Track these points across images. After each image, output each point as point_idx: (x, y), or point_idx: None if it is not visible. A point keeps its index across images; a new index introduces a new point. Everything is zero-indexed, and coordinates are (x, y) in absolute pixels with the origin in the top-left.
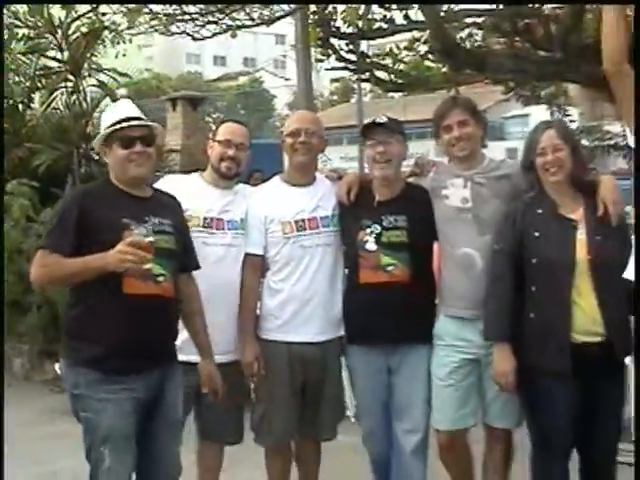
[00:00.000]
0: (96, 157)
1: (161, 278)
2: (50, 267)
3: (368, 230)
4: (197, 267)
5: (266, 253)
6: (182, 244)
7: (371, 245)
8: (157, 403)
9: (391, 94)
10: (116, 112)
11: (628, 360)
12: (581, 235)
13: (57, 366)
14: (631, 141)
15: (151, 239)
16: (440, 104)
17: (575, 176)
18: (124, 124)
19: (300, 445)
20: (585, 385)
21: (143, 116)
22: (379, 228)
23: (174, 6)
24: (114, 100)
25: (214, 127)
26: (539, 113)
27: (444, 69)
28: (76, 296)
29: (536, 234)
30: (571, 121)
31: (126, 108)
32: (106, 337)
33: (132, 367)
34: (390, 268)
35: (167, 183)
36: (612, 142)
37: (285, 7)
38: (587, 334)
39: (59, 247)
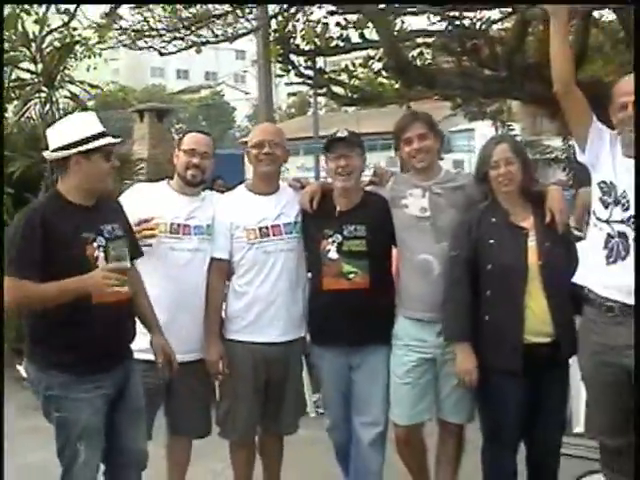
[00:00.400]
0: None
1: (352, 276)
2: (28, 296)
3: (330, 239)
4: (141, 254)
5: (231, 258)
6: (132, 242)
7: (333, 254)
8: (122, 396)
9: (345, 108)
10: (90, 125)
11: (572, 360)
12: (532, 242)
13: (21, 368)
14: (581, 157)
15: (127, 264)
16: (401, 118)
17: (525, 187)
18: (111, 140)
19: (263, 439)
20: (532, 383)
21: None
22: (340, 237)
23: (142, 22)
24: (85, 109)
25: (178, 137)
26: (483, 128)
27: (396, 85)
28: (40, 311)
29: (491, 241)
30: (514, 135)
31: (95, 122)
32: (79, 343)
33: (103, 367)
34: (351, 276)
35: (136, 191)
36: (552, 156)
37: (247, 25)
38: (537, 335)
39: (29, 274)
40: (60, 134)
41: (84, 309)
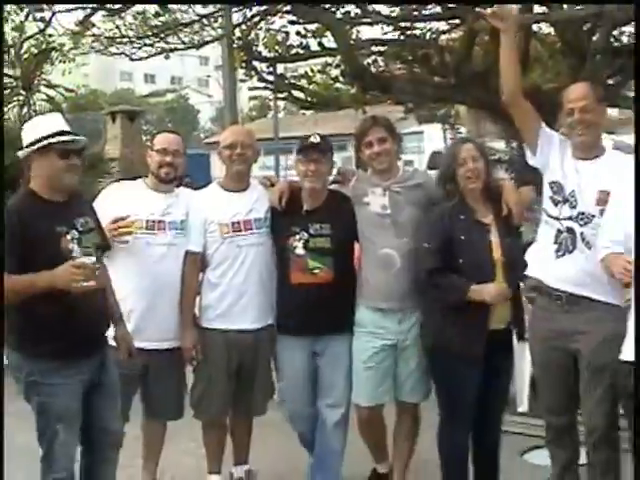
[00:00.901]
0: None
1: (317, 271)
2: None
3: (297, 236)
4: (108, 248)
5: (206, 251)
6: (102, 233)
7: (299, 250)
8: (98, 381)
9: (303, 111)
10: (50, 124)
11: (515, 344)
12: (494, 238)
13: (5, 359)
14: (532, 160)
15: (93, 259)
16: (362, 122)
17: (486, 185)
18: (64, 137)
19: (234, 420)
20: (485, 365)
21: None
22: (306, 235)
23: (114, 30)
24: (60, 111)
25: (150, 138)
26: (431, 130)
27: (352, 90)
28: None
29: (462, 237)
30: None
31: (59, 122)
32: (58, 332)
33: (80, 354)
34: (316, 271)
35: (113, 190)
36: (496, 157)
37: (213, 33)
38: (497, 322)
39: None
40: (25, 135)
41: (60, 298)
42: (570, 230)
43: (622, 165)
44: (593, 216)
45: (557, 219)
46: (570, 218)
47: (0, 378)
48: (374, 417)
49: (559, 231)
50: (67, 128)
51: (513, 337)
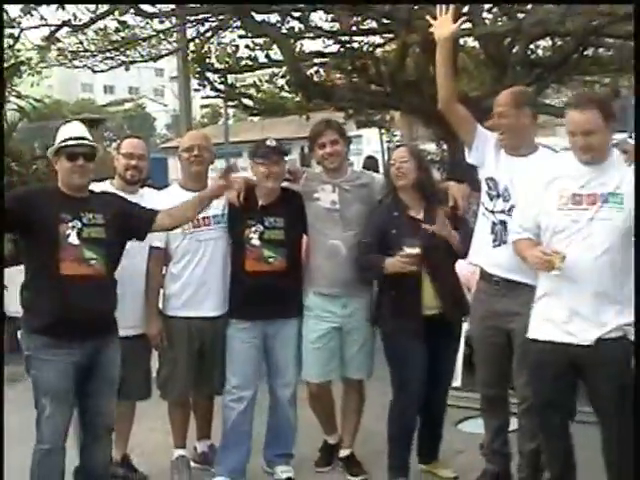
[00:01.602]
0: (16, 168)
1: (93, 262)
2: None
3: (253, 229)
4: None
5: (168, 246)
6: (114, 232)
7: (255, 241)
8: (94, 365)
9: (251, 117)
10: (66, 131)
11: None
12: (422, 233)
13: (19, 334)
14: (469, 159)
15: None
16: (316, 125)
17: (419, 184)
18: (70, 142)
19: (196, 400)
20: (431, 348)
21: (89, 136)
22: (262, 227)
23: (77, 44)
24: (30, 121)
25: (118, 143)
26: (369, 134)
27: (297, 98)
28: (27, 278)
29: (393, 232)
30: (398, 140)
31: (75, 129)
32: (53, 313)
33: (74, 336)
34: (271, 260)
35: None
36: (428, 158)
37: (169, 46)
38: (429, 308)
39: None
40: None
41: (52, 279)
42: (503, 223)
43: (548, 161)
44: None
45: (492, 212)
46: (503, 211)
47: (0, 378)
48: (323, 392)
49: (494, 223)
50: (79, 135)
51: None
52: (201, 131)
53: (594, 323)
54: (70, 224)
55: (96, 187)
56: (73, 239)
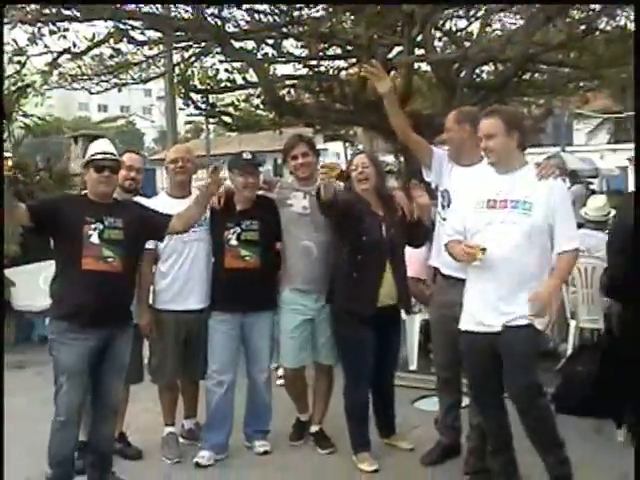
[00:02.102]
0: (22, 178)
1: (110, 259)
2: None
3: (232, 230)
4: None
5: (157, 247)
6: (132, 235)
7: (233, 241)
8: (107, 351)
9: (230, 133)
10: (95, 147)
11: (404, 316)
12: (384, 229)
13: (46, 320)
14: (427, 178)
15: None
16: (289, 139)
17: (378, 189)
18: (97, 156)
19: (184, 383)
20: (380, 335)
21: (114, 152)
22: (239, 229)
23: (76, 68)
24: (34, 136)
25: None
26: (335, 147)
27: (271, 116)
28: (55, 273)
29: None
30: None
31: (102, 145)
32: (71, 300)
33: (90, 323)
34: (247, 258)
35: None
36: (387, 168)
37: (157, 70)
38: (386, 298)
39: (33, 206)
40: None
41: (74, 273)
42: None
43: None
44: None
45: (445, 220)
46: None
47: (0, 377)
48: (298, 377)
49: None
50: (106, 150)
51: (401, 312)
52: (185, 145)
53: (501, 312)
54: (92, 226)
55: None
56: (94, 239)
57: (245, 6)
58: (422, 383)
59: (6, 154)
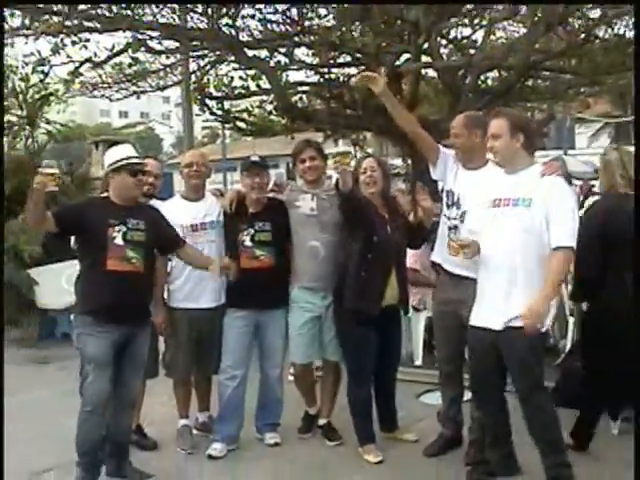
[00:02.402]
0: None
1: (134, 260)
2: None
3: (245, 232)
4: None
5: None
6: (152, 237)
7: (248, 242)
8: (128, 345)
9: (245, 137)
10: (123, 151)
11: (411, 313)
12: (389, 231)
13: (72, 316)
14: (434, 176)
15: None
16: (297, 144)
17: (384, 192)
18: (133, 160)
19: (197, 378)
20: (381, 333)
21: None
22: (253, 230)
23: (97, 77)
24: (57, 142)
25: None
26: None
27: (283, 121)
28: (80, 272)
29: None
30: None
31: (130, 150)
32: (97, 297)
33: (112, 318)
34: (262, 257)
35: None
36: (395, 171)
37: (174, 78)
38: (390, 299)
39: (57, 213)
40: (105, 159)
41: (99, 273)
42: (455, 227)
43: (496, 175)
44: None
45: (449, 219)
46: (456, 218)
47: (0, 377)
48: (306, 371)
49: (449, 228)
50: (135, 154)
51: (401, 312)
52: (199, 150)
53: (502, 311)
54: (117, 228)
55: None
56: (118, 241)
57: (258, 16)
58: (427, 378)
59: (51, 170)
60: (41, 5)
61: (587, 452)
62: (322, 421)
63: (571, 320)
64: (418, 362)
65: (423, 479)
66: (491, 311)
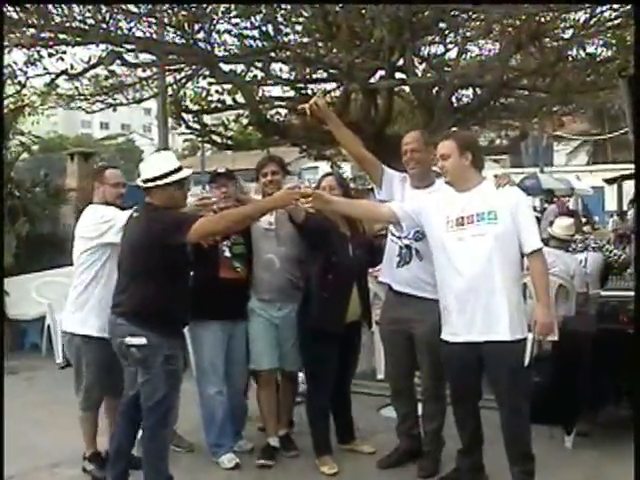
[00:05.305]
0: (17, 194)
1: (238, 269)
2: (234, 220)
3: (224, 243)
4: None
5: None
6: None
7: (227, 254)
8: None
9: (223, 151)
10: (168, 163)
11: (374, 327)
12: (351, 249)
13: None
14: (379, 196)
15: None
16: (261, 159)
17: None
18: (182, 175)
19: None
20: (342, 346)
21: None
22: (230, 243)
23: (73, 89)
24: (31, 154)
25: (97, 171)
26: (325, 166)
27: (259, 135)
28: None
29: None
30: (343, 172)
31: (175, 160)
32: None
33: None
34: (239, 269)
35: (92, 209)
36: (370, 187)
37: (151, 91)
38: (352, 315)
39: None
40: (146, 169)
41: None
42: (408, 247)
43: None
44: (424, 234)
45: (399, 238)
46: (407, 237)
47: (0, 377)
48: (270, 380)
49: (400, 247)
50: (179, 164)
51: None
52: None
53: (481, 326)
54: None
55: (101, 208)
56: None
57: (234, 31)
58: (388, 391)
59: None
60: (16, 16)
61: (544, 465)
62: (281, 432)
63: (529, 337)
64: (380, 376)
65: None
66: (471, 325)
